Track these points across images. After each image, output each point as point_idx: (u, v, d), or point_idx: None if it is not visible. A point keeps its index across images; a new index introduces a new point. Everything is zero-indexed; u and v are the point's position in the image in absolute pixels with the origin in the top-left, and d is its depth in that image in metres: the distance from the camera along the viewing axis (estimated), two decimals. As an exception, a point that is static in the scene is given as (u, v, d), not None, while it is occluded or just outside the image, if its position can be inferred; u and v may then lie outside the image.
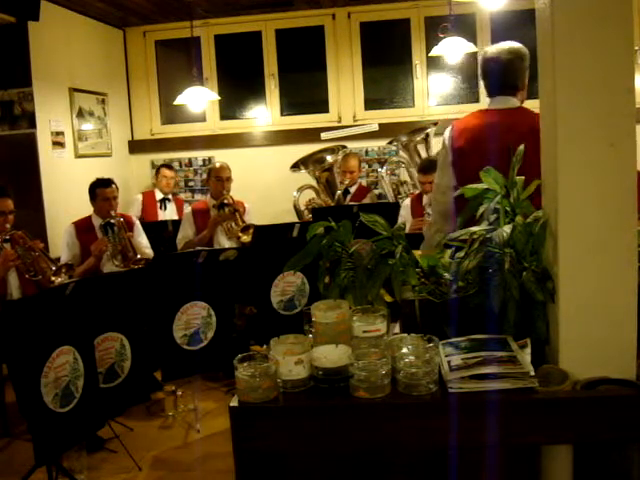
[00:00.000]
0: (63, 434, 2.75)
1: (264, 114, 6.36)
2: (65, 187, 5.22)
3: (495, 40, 2.64)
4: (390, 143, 5.52)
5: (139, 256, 4.26)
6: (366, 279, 1.76)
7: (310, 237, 1.80)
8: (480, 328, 1.62)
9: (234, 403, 1.50)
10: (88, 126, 5.72)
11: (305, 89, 6.57)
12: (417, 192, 4.80)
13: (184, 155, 6.44)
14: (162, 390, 3.97)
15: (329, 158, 5.38)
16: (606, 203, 1.49)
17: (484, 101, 2.67)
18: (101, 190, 4.31)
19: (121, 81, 6.37)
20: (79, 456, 3.19)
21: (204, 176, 6.05)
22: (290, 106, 6.37)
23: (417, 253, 1.88)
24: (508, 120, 2.45)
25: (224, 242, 4.69)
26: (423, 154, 5.21)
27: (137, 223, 4.61)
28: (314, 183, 5.46)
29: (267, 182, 6.12)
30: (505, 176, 1.73)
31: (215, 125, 6.40)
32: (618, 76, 1.47)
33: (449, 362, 1.51)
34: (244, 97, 6.45)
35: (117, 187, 4.42)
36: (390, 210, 4.25)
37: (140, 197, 5.88)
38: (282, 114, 6.34)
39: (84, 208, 4.47)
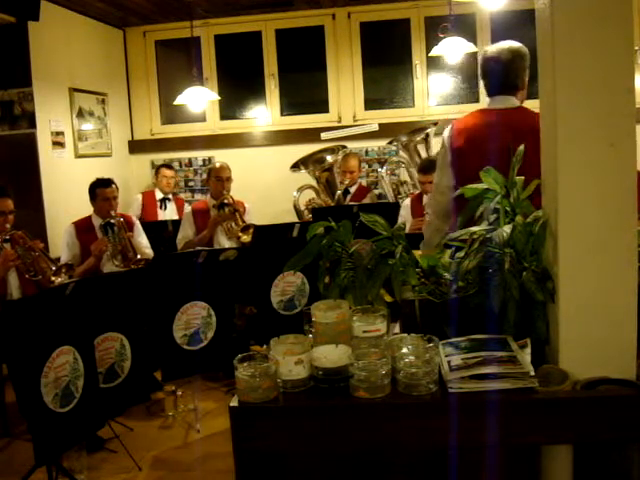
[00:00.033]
0: (63, 434, 2.75)
1: (264, 114, 6.36)
2: (65, 187, 5.22)
3: (495, 40, 2.63)
4: (390, 143, 5.51)
5: (139, 256, 4.26)
6: (366, 279, 1.76)
7: (310, 237, 1.81)
8: (480, 328, 1.62)
9: (234, 403, 1.50)
10: (88, 126, 5.72)
11: (305, 89, 6.57)
12: (417, 192, 4.80)
13: (184, 155, 6.44)
14: (162, 390, 3.97)
15: (329, 158, 5.38)
16: (606, 203, 1.49)
17: (484, 101, 2.67)
18: (101, 190, 4.31)
19: (121, 81, 6.37)
20: (79, 456, 3.19)
21: (204, 176, 6.05)
22: (290, 106, 6.37)
23: (417, 253, 1.88)
24: (508, 120, 2.44)
25: (224, 242, 4.69)
26: (423, 154, 5.20)
27: (137, 223, 4.61)
28: (314, 183, 5.46)
29: (267, 182, 6.12)
30: (505, 176, 1.73)
31: (215, 125, 6.40)
32: (618, 76, 1.47)
33: (449, 362, 1.51)
34: (244, 97, 6.45)
35: (117, 187, 4.42)
36: (390, 210, 4.25)
37: (140, 197, 5.88)
38: (282, 114, 6.34)
39: (84, 208, 4.47)
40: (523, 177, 1.73)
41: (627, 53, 1.48)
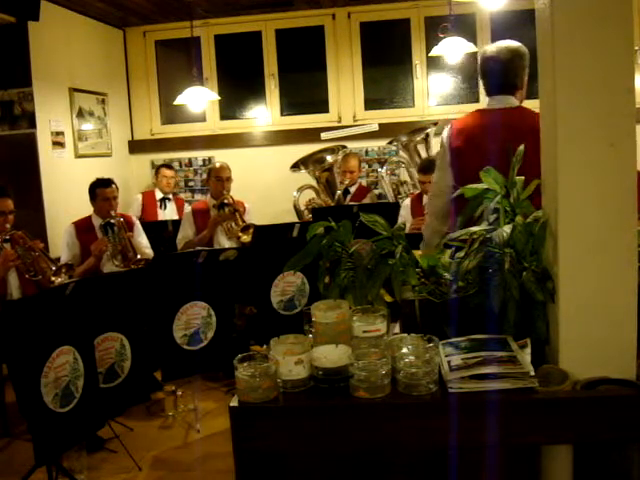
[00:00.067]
0: (63, 434, 2.75)
1: (264, 114, 6.36)
2: (65, 187, 5.22)
3: (495, 40, 2.63)
4: (390, 143, 5.51)
5: (139, 256, 4.26)
6: (366, 279, 1.76)
7: (310, 237, 1.81)
8: (480, 328, 1.62)
9: (234, 403, 1.50)
10: (88, 126, 5.72)
11: (305, 89, 6.57)
12: (417, 192, 4.80)
13: (184, 155, 6.44)
14: (162, 390, 3.96)
15: (329, 158, 5.38)
16: (606, 203, 1.49)
17: (484, 101, 2.66)
18: (101, 190, 4.31)
19: (121, 81, 6.37)
20: (79, 456, 3.19)
21: (204, 176, 6.05)
22: (290, 106, 6.37)
23: (417, 253, 1.88)
24: (507, 120, 2.44)
25: (224, 242, 4.69)
26: (423, 154, 5.20)
27: (137, 223, 4.61)
28: (314, 183, 5.46)
29: (267, 182, 6.12)
30: (504, 176, 1.73)
31: (215, 125, 6.40)
32: (618, 76, 1.47)
33: (449, 362, 1.51)
34: (244, 97, 6.45)
35: (117, 187, 4.42)
36: (390, 210, 4.25)
37: (140, 197, 5.88)
38: (282, 114, 6.34)
39: (84, 208, 4.47)
40: (523, 177, 1.73)
41: (627, 53, 1.48)
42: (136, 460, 3.33)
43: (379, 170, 5.93)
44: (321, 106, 6.26)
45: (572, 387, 1.47)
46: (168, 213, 5.81)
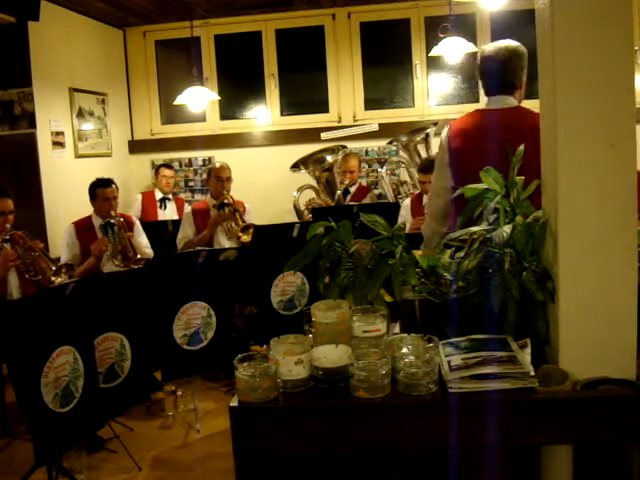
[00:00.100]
0: (63, 434, 2.75)
1: (264, 114, 6.36)
2: (65, 187, 5.22)
3: (495, 40, 2.63)
4: (390, 143, 5.51)
5: (139, 256, 4.26)
6: (366, 279, 1.76)
7: (310, 237, 1.81)
8: (480, 328, 1.62)
9: (234, 403, 1.50)
10: (88, 126, 5.72)
11: (305, 89, 6.57)
12: (417, 192, 4.80)
13: (184, 155, 6.44)
14: (162, 390, 3.97)
15: (329, 158, 5.38)
16: (606, 203, 1.49)
17: (484, 101, 2.66)
18: (101, 190, 4.31)
19: (121, 81, 6.37)
20: (79, 456, 3.19)
21: (204, 176, 6.05)
22: (290, 106, 6.37)
23: (417, 253, 1.88)
24: (506, 120, 2.43)
25: (224, 242, 4.69)
26: (423, 154, 5.20)
27: (137, 223, 4.61)
28: (314, 183, 5.46)
29: (267, 182, 6.12)
30: (504, 176, 1.73)
31: (215, 125, 6.40)
32: (618, 76, 1.47)
33: (449, 362, 1.51)
34: (244, 97, 6.45)
35: (117, 187, 4.43)
36: (390, 210, 4.25)
37: (140, 197, 5.88)
38: (282, 114, 6.34)
39: (84, 208, 4.47)
40: (523, 177, 1.73)
41: (627, 53, 1.48)
42: (136, 460, 3.33)
43: (379, 170, 5.92)
44: (321, 106, 6.26)
45: (572, 387, 1.47)
46: (168, 213, 5.81)
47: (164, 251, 4.74)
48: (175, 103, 5.48)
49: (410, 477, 1.60)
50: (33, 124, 4.93)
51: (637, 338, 1.52)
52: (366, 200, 5.27)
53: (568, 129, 1.49)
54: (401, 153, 5.41)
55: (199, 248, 3.82)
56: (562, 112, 1.50)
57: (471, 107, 3.07)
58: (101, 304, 3.08)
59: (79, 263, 4.20)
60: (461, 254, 1.73)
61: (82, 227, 4.32)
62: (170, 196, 5.91)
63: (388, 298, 1.79)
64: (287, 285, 3.69)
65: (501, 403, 1.42)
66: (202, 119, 6.37)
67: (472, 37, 5.52)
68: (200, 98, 5.41)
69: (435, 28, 5.07)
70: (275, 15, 6.11)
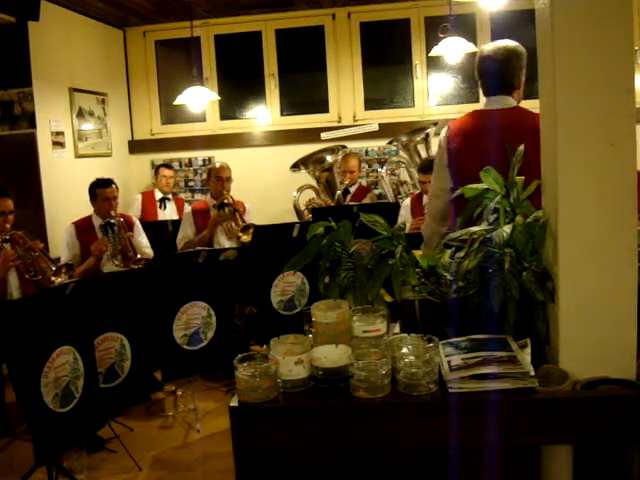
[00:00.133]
0: (63, 434, 2.75)
1: (264, 114, 6.36)
2: (65, 187, 5.22)
3: (495, 40, 2.62)
4: (390, 143, 5.51)
5: (139, 256, 4.26)
6: (366, 279, 1.76)
7: (310, 237, 1.80)
8: (480, 328, 1.62)
9: (234, 403, 1.50)
10: (88, 126, 5.72)
11: (305, 89, 6.57)
12: (417, 192, 4.80)
13: (184, 155, 6.44)
14: (162, 390, 3.97)
15: (329, 158, 5.38)
16: (606, 203, 1.49)
17: (484, 101, 2.66)
18: (101, 190, 4.31)
19: (121, 81, 6.37)
20: (79, 456, 3.19)
21: (204, 176, 6.05)
22: (290, 106, 6.37)
23: (417, 253, 1.88)
24: (505, 120, 2.43)
25: (224, 242, 4.69)
26: (423, 154, 5.20)
27: (137, 223, 4.61)
28: (314, 183, 5.46)
29: (267, 182, 6.12)
30: (503, 177, 1.73)
31: (215, 125, 6.40)
32: (618, 76, 1.47)
33: (449, 362, 1.51)
34: (244, 97, 6.45)
35: (117, 187, 4.43)
36: (390, 210, 4.25)
37: (140, 197, 5.88)
38: (282, 114, 6.34)
39: (84, 208, 4.47)
40: (523, 177, 1.73)
41: (627, 53, 1.48)
42: (136, 460, 3.34)
43: (379, 170, 5.93)
44: (321, 106, 6.26)
45: (572, 387, 1.47)
46: (168, 213, 5.81)
47: (164, 251, 4.74)
48: (175, 103, 5.48)
49: (410, 477, 1.60)
50: (33, 124, 4.93)
51: (637, 338, 1.52)
52: (366, 200, 5.27)
53: (568, 129, 1.49)
54: (401, 153, 5.41)
55: (199, 248, 3.82)
56: (562, 112, 1.50)
57: (471, 107, 3.08)
58: (101, 304, 3.08)
59: (79, 263, 4.20)
60: (461, 254, 1.73)
61: (82, 227, 4.32)
62: (170, 196, 5.91)
63: (388, 298, 1.79)
64: (287, 285, 3.69)
65: (501, 403, 1.42)
66: (202, 119, 6.37)
67: (472, 37, 5.52)
68: (200, 98, 5.41)
69: (435, 28, 5.07)
70: (275, 15, 6.11)
